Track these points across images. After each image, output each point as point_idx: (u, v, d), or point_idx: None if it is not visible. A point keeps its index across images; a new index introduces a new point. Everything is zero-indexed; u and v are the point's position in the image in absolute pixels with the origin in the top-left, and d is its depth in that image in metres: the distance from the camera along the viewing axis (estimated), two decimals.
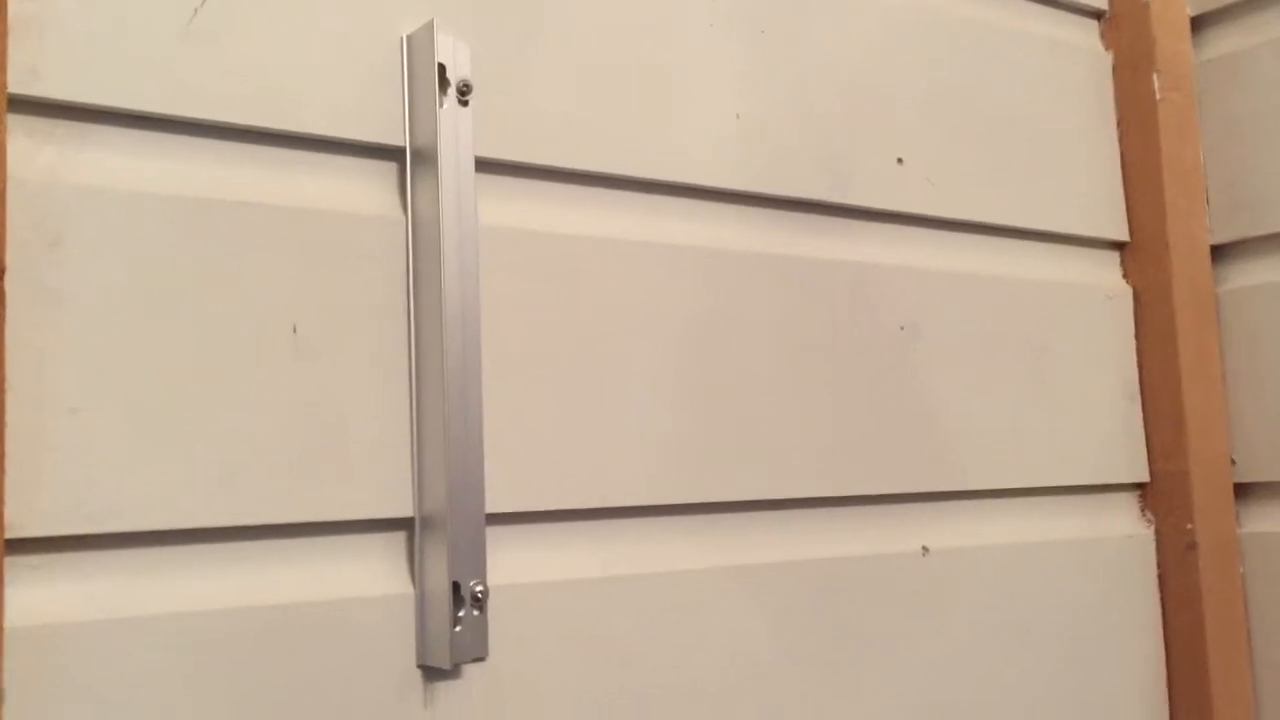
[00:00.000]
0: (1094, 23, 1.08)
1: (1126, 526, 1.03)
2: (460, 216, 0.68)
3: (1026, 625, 0.94)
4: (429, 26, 0.68)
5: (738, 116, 0.83)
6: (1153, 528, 1.03)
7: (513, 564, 0.70)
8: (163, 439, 0.60)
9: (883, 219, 0.91)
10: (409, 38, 0.69)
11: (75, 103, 0.60)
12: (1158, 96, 1.04)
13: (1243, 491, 1.04)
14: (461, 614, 0.65)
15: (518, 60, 0.74)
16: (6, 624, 0.55)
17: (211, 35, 0.64)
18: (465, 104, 0.69)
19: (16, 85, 0.58)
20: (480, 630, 0.66)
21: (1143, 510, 1.04)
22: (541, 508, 0.72)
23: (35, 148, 0.59)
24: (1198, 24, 1.09)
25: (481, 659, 0.66)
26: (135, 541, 0.60)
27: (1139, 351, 1.05)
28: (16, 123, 0.58)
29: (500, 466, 0.70)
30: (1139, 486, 1.04)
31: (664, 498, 0.77)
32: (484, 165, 0.71)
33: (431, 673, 0.67)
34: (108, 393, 0.59)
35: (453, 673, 0.67)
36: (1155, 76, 1.04)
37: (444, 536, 0.66)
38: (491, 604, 0.67)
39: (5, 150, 0.56)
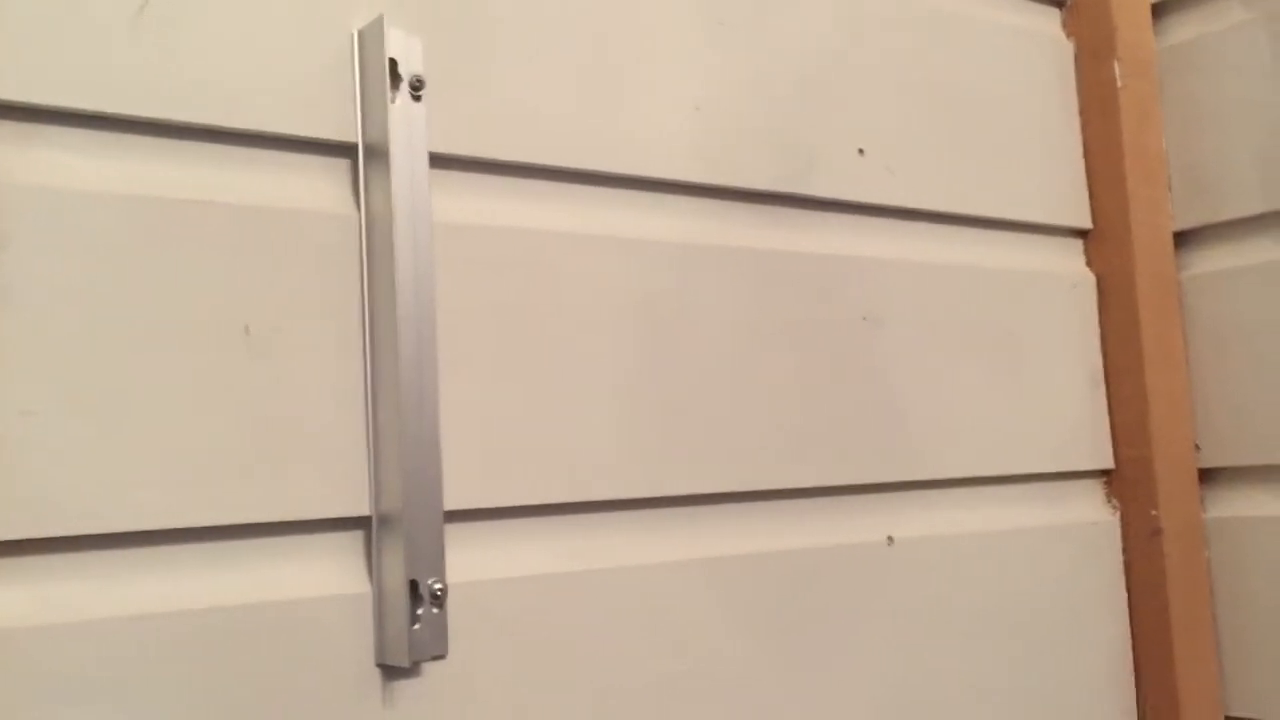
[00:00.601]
0: (1055, 11, 1.09)
1: (1091, 513, 1.03)
2: (414, 212, 0.67)
3: (992, 613, 0.94)
4: (380, 21, 0.68)
5: (697, 108, 0.83)
6: (1118, 514, 1.04)
7: (472, 561, 0.70)
8: (115, 441, 0.60)
9: (844, 209, 0.91)
10: (360, 32, 0.69)
11: (20, 102, 0.59)
12: (1119, 84, 1.04)
13: (1207, 477, 1.05)
14: (420, 612, 0.65)
15: (472, 54, 0.74)
16: None
17: (159, 31, 0.63)
18: (418, 99, 0.68)
19: None
20: (439, 628, 0.66)
21: (1108, 497, 1.04)
22: (500, 504, 0.72)
23: None
24: (1159, 11, 1.09)
25: (441, 657, 0.66)
26: (88, 544, 0.60)
27: (1103, 338, 1.05)
28: None
29: (458, 463, 0.69)
30: (1104, 473, 1.04)
31: (625, 492, 0.77)
32: (438, 161, 0.71)
33: (390, 671, 0.66)
34: (59, 395, 0.59)
35: (412, 671, 0.67)
36: (1116, 64, 1.04)
37: (401, 534, 0.65)
38: (451, 601, 0.67)
39: None
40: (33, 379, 0.58)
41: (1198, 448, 1.05)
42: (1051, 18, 1.08)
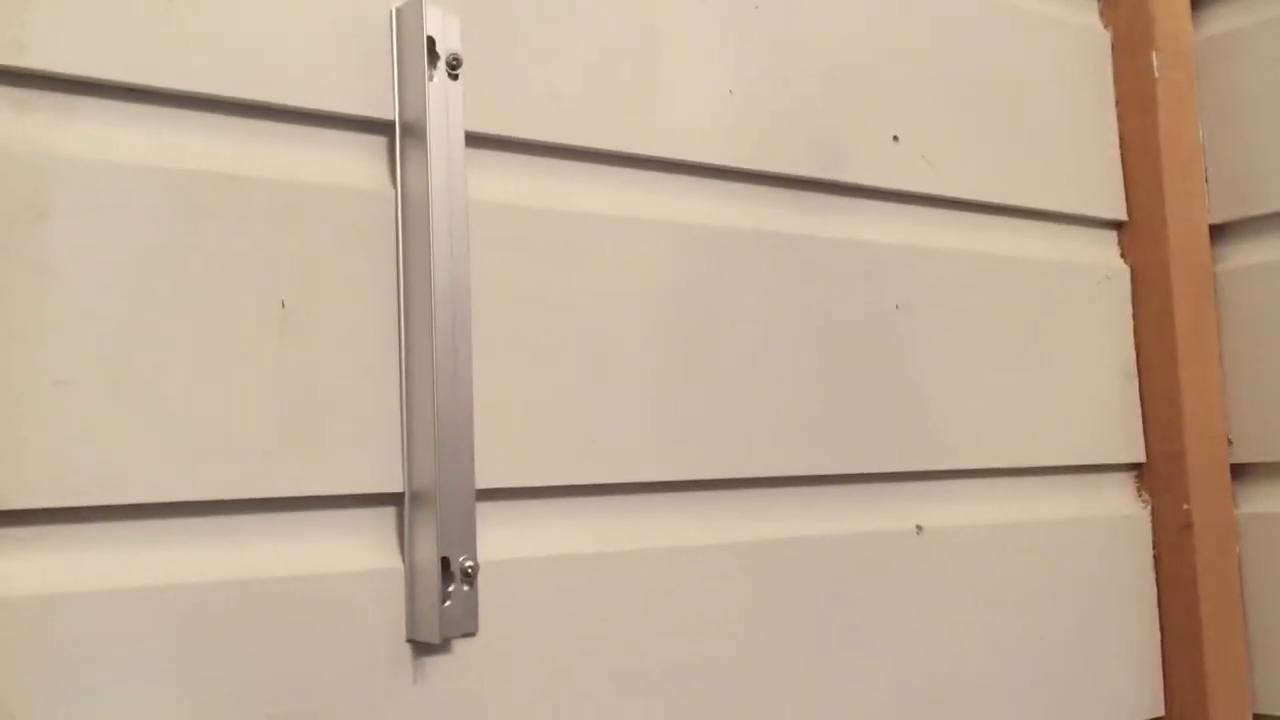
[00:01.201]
0: (1093, 0, 1.08)
1: (1122, 506, 1.02)
2: (450, 191, 0.67)
3: (1021, 604, 0.94)
4: None
5: (731, 92, 0.83)
6: (1149, 508, 1.03)
7: (503, 540, 0.70)
8: (149, 412, 0.60)
9: (878, 197, 0.91)
10: (398, 10, 0.69)
11: (60, 74, 0.59)
12: (1156, 75, 1.03)
13: (1239, 472, 1.04)
14: (451, 589, 0.65)
15: (509, 34, 0.74)
16: None
17: (198, 6, 0.63)
18: (455, 78, 0.68)
19: (0, 56, 0.57)
20: (470, 606, 0.66)
21: (1139, 490, 1.04)
22: (532, 484, 0.72)
23: (20, 119, 0.59)
24: (1197, 1, 1.08)
25: (471, 634, 0.66)
26: (121, 514, 0.60)
27: (1136, 331, 1.04)
28: (1, 94, 0.58)
29: (490, 442, 0.69)
30: (1135, 466, 1.04)
31: (655, 475, 0.77)
32: (474, 140, 0.70)
33: (420, 648, 0.66)
34: (94, 366, 0.59)
35: (442, 648, 0.67)
36: (1154, 55, 1.03)
37: (434, 512, 0.65)
38: (481, 580, 0.67)
39: None
40: (68, 349, 0.58)
41: (1230, 442, 1.04)
42: (1089, 7, 1.07)
